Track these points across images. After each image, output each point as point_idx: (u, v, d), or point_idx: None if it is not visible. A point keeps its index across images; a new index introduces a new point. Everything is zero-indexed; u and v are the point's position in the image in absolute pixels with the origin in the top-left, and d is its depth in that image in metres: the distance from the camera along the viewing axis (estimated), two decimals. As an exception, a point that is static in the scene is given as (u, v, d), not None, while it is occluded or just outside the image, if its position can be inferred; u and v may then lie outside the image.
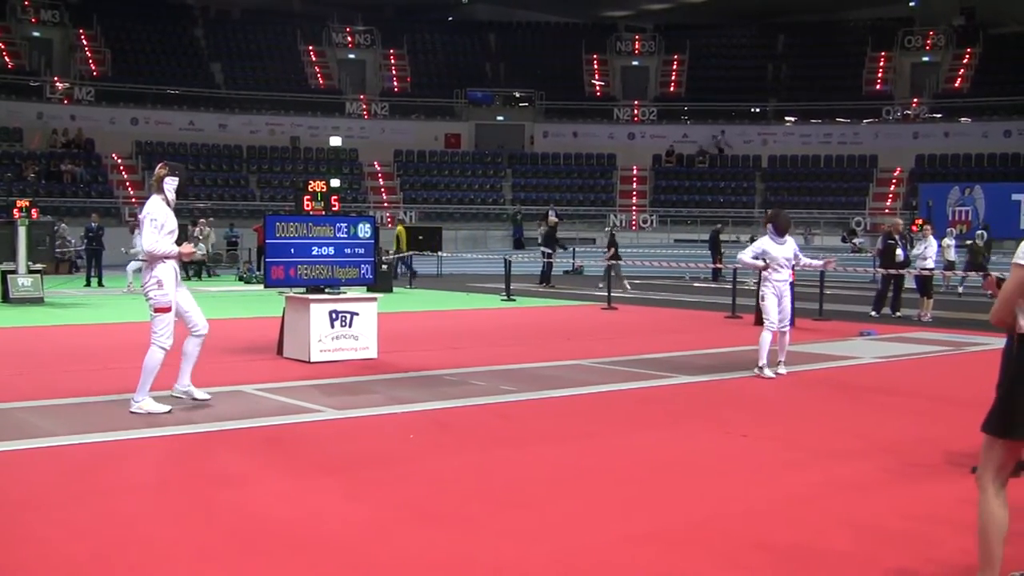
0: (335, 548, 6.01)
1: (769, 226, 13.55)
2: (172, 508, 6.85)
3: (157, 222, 9.85)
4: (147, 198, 10.30)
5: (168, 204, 10.04)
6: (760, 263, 13.40)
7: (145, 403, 9.88)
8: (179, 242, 10.20)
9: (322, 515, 6.72)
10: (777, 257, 13.29)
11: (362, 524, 6.51)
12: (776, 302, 13.23)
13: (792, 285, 13.68)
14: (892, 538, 6.34)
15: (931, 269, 22.24)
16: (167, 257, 9.92)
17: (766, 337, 13.16)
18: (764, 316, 13.41)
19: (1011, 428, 5.12)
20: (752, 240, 20.08)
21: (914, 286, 22.92)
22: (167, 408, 9.94)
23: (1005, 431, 5.15)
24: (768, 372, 13.15)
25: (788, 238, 13.52)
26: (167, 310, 9.94)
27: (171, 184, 10.07)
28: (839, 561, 5.89)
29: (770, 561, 5.89)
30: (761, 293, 13.58)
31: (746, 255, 13.68)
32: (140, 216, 10.17)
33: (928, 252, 22.26)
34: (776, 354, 13.38)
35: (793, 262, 13.59)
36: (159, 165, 10.38)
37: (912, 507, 7.08)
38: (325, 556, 5.87)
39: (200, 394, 10.47)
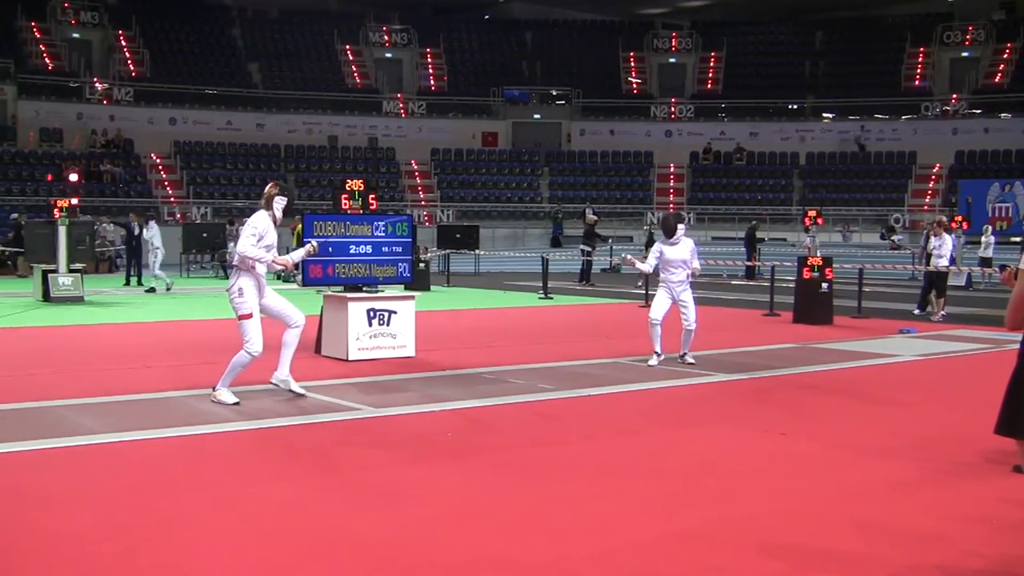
0: (373, 547, 6.03)
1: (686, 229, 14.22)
2: (208, 506, 6.89)
3: (257, 231, 10.53)
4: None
5: (274, 220, 10.71)
6: (647, 267, 14.21)
7: (222, 393, 10.41)
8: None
9: (359, 514, 6.75)
10: (671, 259, 13.80)
11: (400, 522, 6.53)
12: (667, 300, 13.83)
13: (692, 285, 14.15)
14: (930, 539, 6.31)
15: (946, 267, 21.68)
16: (257, 261, 10.46)
17: (652, 331, 13.78)
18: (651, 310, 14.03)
19: (1017, 427, 5.06)
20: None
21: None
22: (237, 400, 10.34)
23: (1013, 430, 5.09)
24: (651, 360, 13.75)
25: (682, 240, 13.87)
26: (248, 317, 10.45)
27: (280, 203, 10.77)
28: (878, 563, 5.86)
29: (808, 562, 5.87)
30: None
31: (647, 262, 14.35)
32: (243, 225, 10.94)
33: (943, 250, 21.82)
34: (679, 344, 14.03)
35: (691, 263, 13.90)
36: (270, 184, 11.16)
37: (951, 507, 7.03)
38: (360, 555, 5.90)
39: (297, 388, 10.94)
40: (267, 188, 10.93)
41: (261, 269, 10.60)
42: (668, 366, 13.66)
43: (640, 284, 28.26)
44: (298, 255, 11.57)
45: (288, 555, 5.85)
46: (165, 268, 27.46)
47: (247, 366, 10.51)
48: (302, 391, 10.92)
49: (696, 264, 13.99)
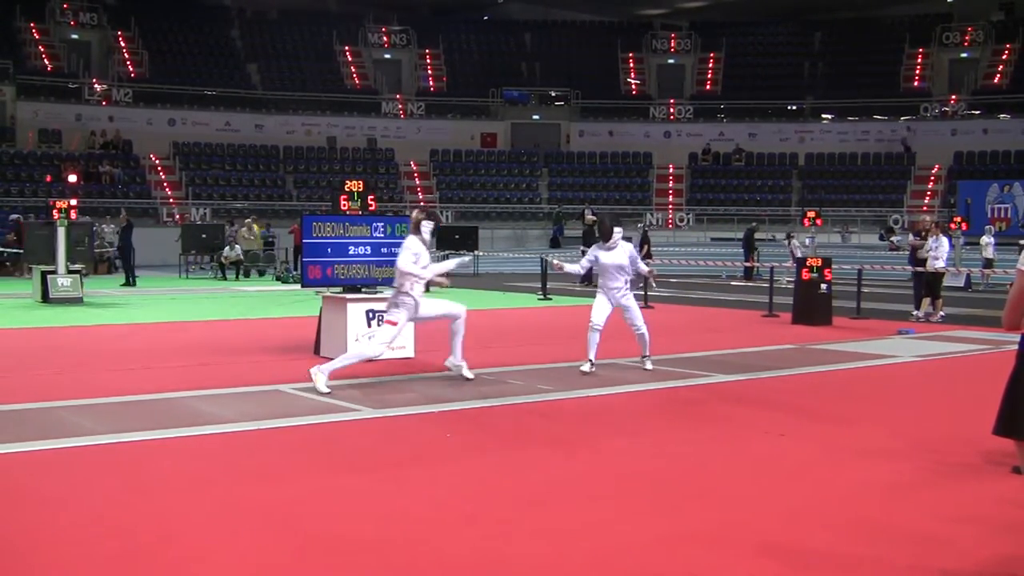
0: (369, 547, 6.03)
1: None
2: (208, 506, 6.89)
3: (413, 253, 11.43)
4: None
5: (424, 243, 11.61)
6: (576, 268, 13.95)
7: (320, 376, 11.07)
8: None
9: (357, 514, 6.74)
10: (606, 265, 13.10)
11: (397, 523, 6.52)
12: (606, 305, 13.23)
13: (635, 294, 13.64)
14: (930, 540, 6.31)
15: (943, 268, 21.51)
16: (417, 279, 11.45)
17: (590, 337, 13.13)
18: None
19: (1016, 428, 5.06)
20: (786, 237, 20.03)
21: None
22: (328, 391, 10.91)
23: (1012, 430, 5.09)
24: (584, 367, 13.01)
25: (620, 245, 13.18)
26: (393, 324, 11.53)
27: (427, 227, 11.66)
28: (878, 564, 5.86)
29: (808, 562, 5.88)
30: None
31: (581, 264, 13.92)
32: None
33: (939, 252, 21.63)
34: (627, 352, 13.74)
35: (630, 269, 13.26)
36: (416, 211, 12.06)
37: (951, 508, 7.03)
38: (358, 555, 5.90)
39: (468, 373, 12.05)
40: (414, 214, 11.79)
41: (419, 289, 11.52)
42: (667, 367, 13.66)
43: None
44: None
45: (288, 555, 5.85)
46: (162, 269, 27.41)
47: (362, 360, 11.71)
48: (472, 375, 11.99)
49: (642, 266, 13.57)
